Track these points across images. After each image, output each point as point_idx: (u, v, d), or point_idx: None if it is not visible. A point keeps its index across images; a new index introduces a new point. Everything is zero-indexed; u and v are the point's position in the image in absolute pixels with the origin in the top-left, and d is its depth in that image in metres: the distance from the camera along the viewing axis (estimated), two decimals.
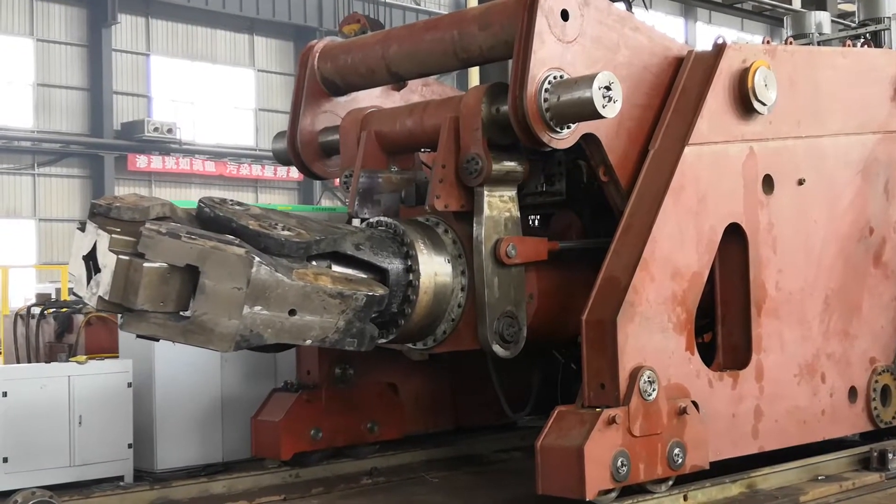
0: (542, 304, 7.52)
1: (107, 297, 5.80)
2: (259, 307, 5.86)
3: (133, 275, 5.74)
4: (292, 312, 5.99)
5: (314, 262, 6.46)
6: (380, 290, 6.40)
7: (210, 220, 6.27)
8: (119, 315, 6.07)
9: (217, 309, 5.80)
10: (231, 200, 6.54)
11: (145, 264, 5.74)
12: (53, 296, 11.62)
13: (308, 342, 6.18)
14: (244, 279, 5.78)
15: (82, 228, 6.12)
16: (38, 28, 28.81)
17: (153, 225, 5.86)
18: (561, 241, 7.83)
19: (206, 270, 5.76)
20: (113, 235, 5.83)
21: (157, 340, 6.31)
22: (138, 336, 6.12)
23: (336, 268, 6.66)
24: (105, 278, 5.79)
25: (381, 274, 6.94)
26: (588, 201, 8.06)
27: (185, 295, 5.86)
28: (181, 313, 5.90)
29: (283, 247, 6.18)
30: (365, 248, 6.87)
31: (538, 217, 8.80)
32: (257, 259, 5.86)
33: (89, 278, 5.97)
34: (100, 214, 6.06)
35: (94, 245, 5.91)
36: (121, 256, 5.76)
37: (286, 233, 6.28)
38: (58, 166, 29.19)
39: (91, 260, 5.95)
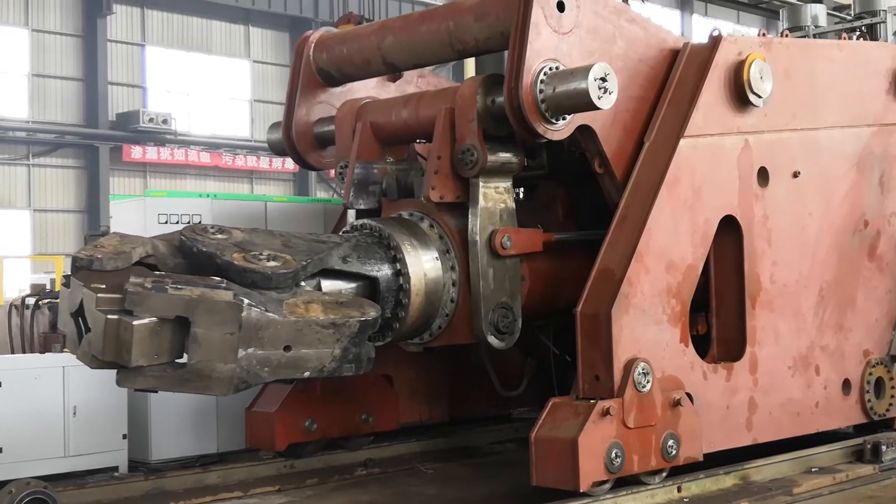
0: (535, 284, 7.55)
1: (100, 357, 5.68)
2: (253, 348, 5.77)
3: (123, 333, 5.59)
4: (287, 348, 5.90)
5: (303, 283, 6.40)
6: (372, 312, 6.30)
7: (193, 254, 6.17)
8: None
9: (212, 355, 5.69)
10: (213, 226, 6.40)
11: (134, 322, 5.59)
12: (48, 286, 11.58)
13: (307, 374, 6.07)
14: (235, 324, 5.69)
15: (67, 284, 5.97)
16: (33, 18, 28.70)
17: (137, 279, 5.71)
18: (548, 210, 7.94)
19: (196, 320, 5.65)
20: (98, 295, 5.64)
21: (156, 392, 6.15)
22: (136, 390, 6.03)
23: (325, 283, 6.62)
24: (96, 339, 5.65)
25: (370, 282, 6.92)
26: (571, 172, 8.06)
27: (179, 343, 5.75)
28: (177, 360, 5.79)
29: (270, 280, 6.09)
30: (352, 260, 6.84)
31: (522, 189, 8.80)
32: (247, 302, 5.75)
33: (80, 336, 5.83)
34: (83, 268, 5.90)
35: (81, 303, 5.75)
36: (109, 317, 5.60)
37: (272, 263, 6.17)
38: (52, 157, 29.11)
39: (80, 317, 5.81)
